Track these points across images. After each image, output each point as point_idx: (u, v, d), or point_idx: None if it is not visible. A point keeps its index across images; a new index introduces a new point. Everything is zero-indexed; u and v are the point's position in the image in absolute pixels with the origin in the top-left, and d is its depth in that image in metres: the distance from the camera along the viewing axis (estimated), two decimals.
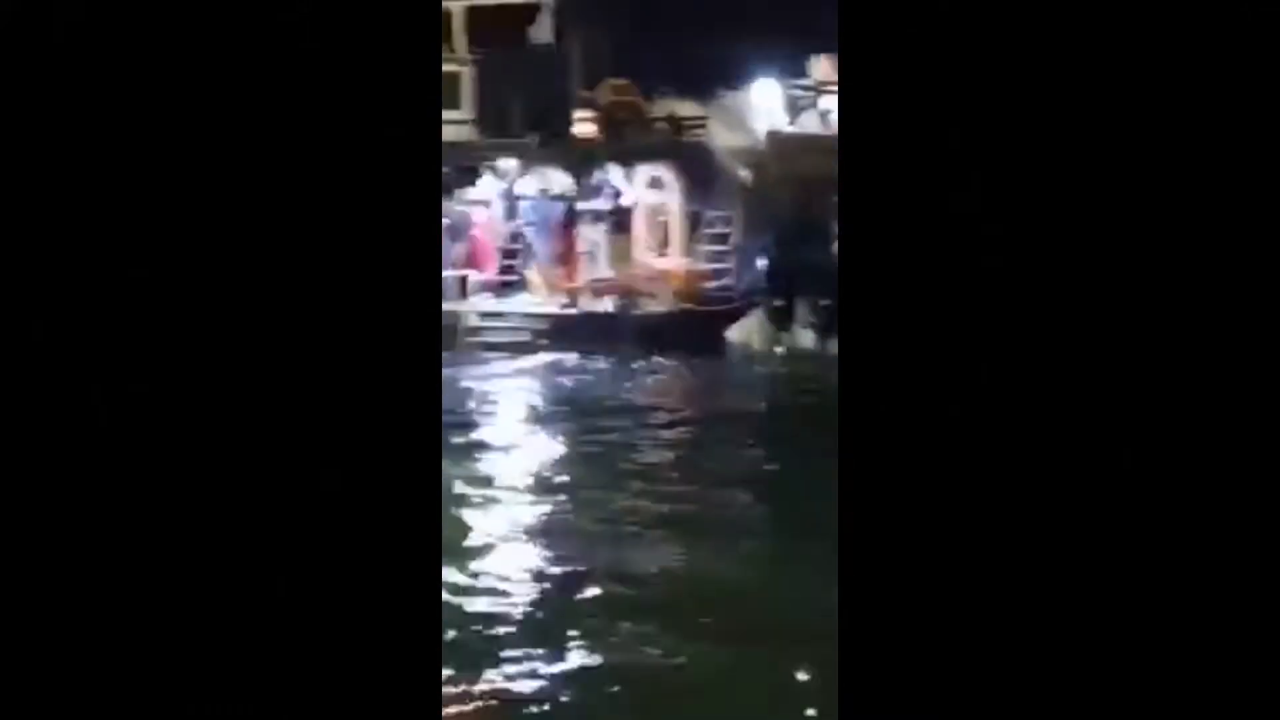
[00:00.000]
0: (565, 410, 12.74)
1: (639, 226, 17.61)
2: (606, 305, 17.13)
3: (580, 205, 17.97)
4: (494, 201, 19.04)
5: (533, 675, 5.31)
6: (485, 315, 17.69)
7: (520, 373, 15.46)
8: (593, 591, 6.53)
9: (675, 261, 17.41)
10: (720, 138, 17.67)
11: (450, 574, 6.35)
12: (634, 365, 15.10)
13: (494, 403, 13.49)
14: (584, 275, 17.58)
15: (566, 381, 14.68)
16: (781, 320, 16.16)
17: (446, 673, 4.71)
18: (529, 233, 18.64)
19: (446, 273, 18.33)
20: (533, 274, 18.38)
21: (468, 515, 8.04)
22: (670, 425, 11.96)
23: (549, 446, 10.94)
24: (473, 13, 20.03)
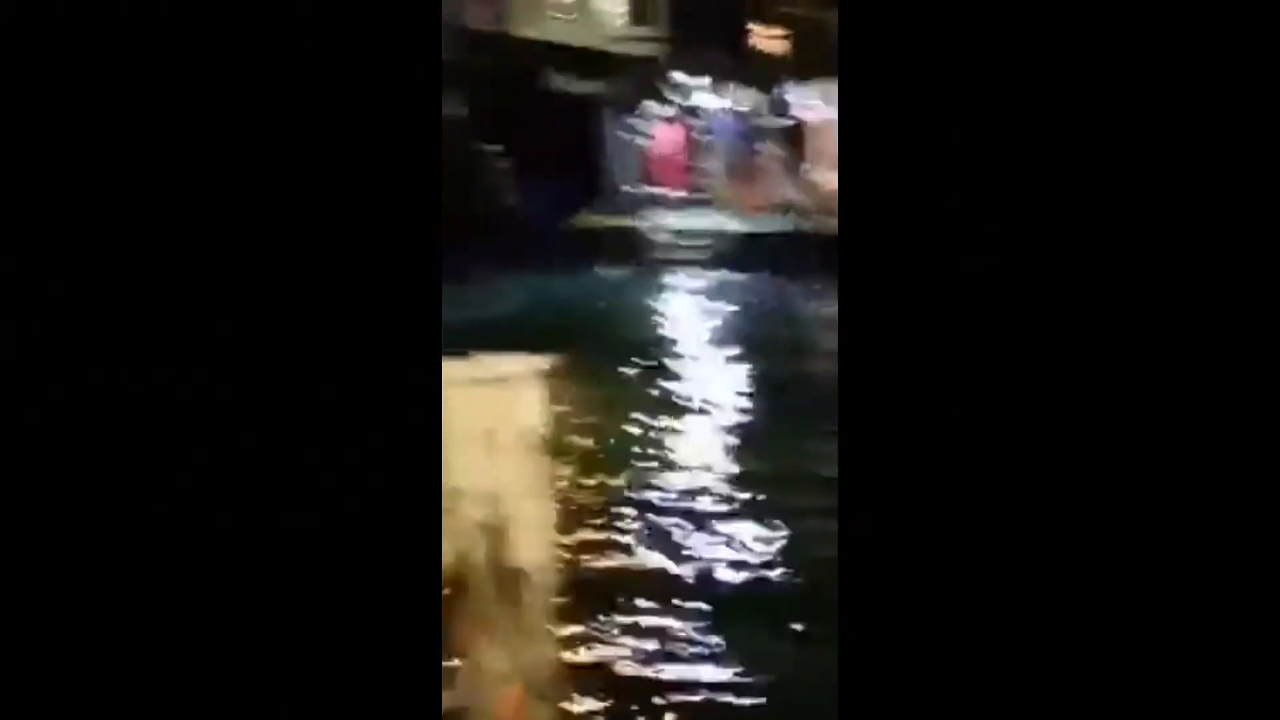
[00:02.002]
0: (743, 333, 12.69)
1: (825, 144, 17.36)
2: (789, 224, 16.99)
3: (766, 122, 17.79)
4: (679, 117, 18.97)
5: None
6: (672, 232, 17.70)
7: (699, 291, 15.45)
8: None
9: None
10: None
11: None
12: (815, 287, 14.97)
13: (671, 323, 13.52)
14: (767, 192, 17.45)
15: (746, 302, 14.60)
16: None
17: None
18: (713, 149, 18.55)
19: (628, 188, 18.42)
20: (717, 190, 18.31)
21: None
22: None
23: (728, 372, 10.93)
24: None
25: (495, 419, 3.87)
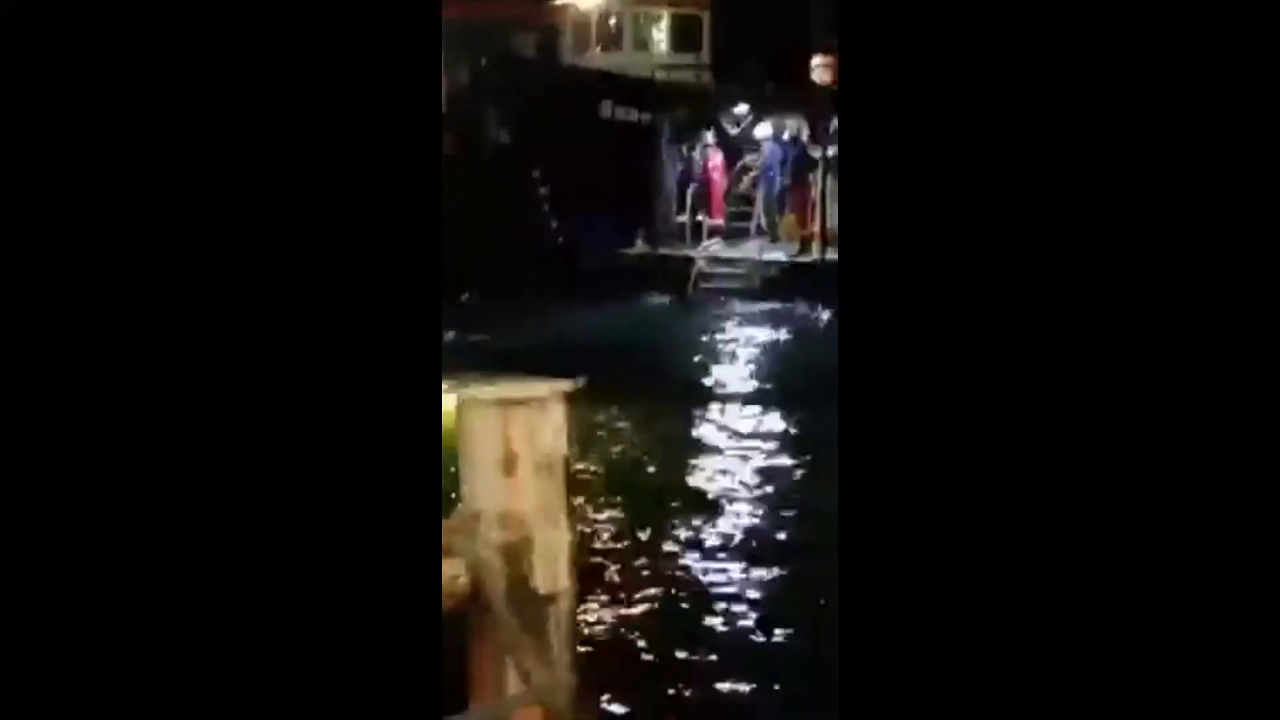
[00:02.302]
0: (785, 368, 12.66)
1: None
2: (837, 255, 16.93)
3: (815, 153, 17.77)
4: (729, 147, 18.99)
5: None
6: (715, 261, 17.70)
7: (747, 320, 15.44)
8: None
9: None
10: None
11: None
12: None
13: (719, 352, 13.51)
14: (815, 223, 17.42)
15: (788, 334, 14.56)
16: None
17: None
18: (764, 179, 18.55)
19: (680, 219, 18.45)
20: (765, 220, 18.32)
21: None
22: None
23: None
24: None
25: (517, 442, 3.85)
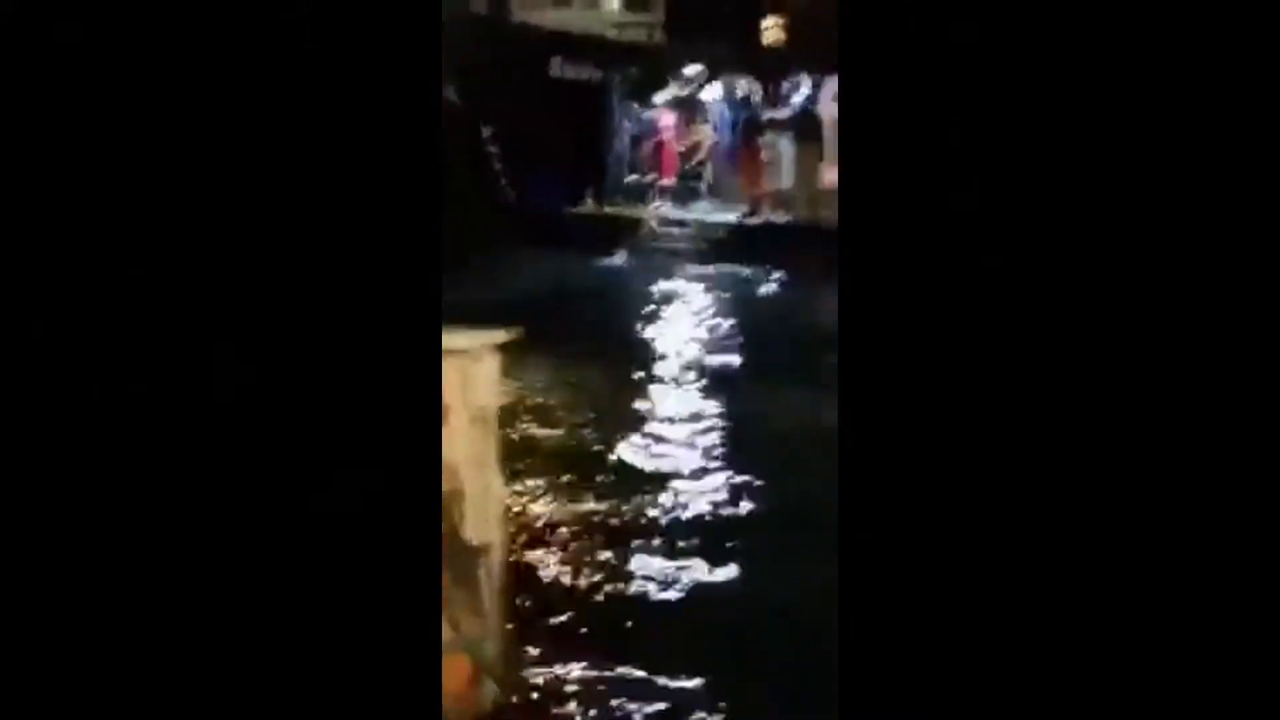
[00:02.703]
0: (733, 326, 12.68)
1: (826, 138, 17.32)
2: (787, 217, 16.95)
3: (766, 114, 17.76)
4: (681, 106, 18.95)
5: None
6: (665, 222, 17.68)
7: (696, 280, 15.44)
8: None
9: None
10: None
11: None
12: (810, 279, 14.90)
13: (665, 312, 13.52)
14: (766, 185, 17.42)
15: (730, 296, 14.58)
16: None
17: None
18: (713, 140, 18.53)
19: (630, 178, 18.43)
20: (716, 181, 18.31)
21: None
22: None
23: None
24: None
25: (450, 392, 3.84)
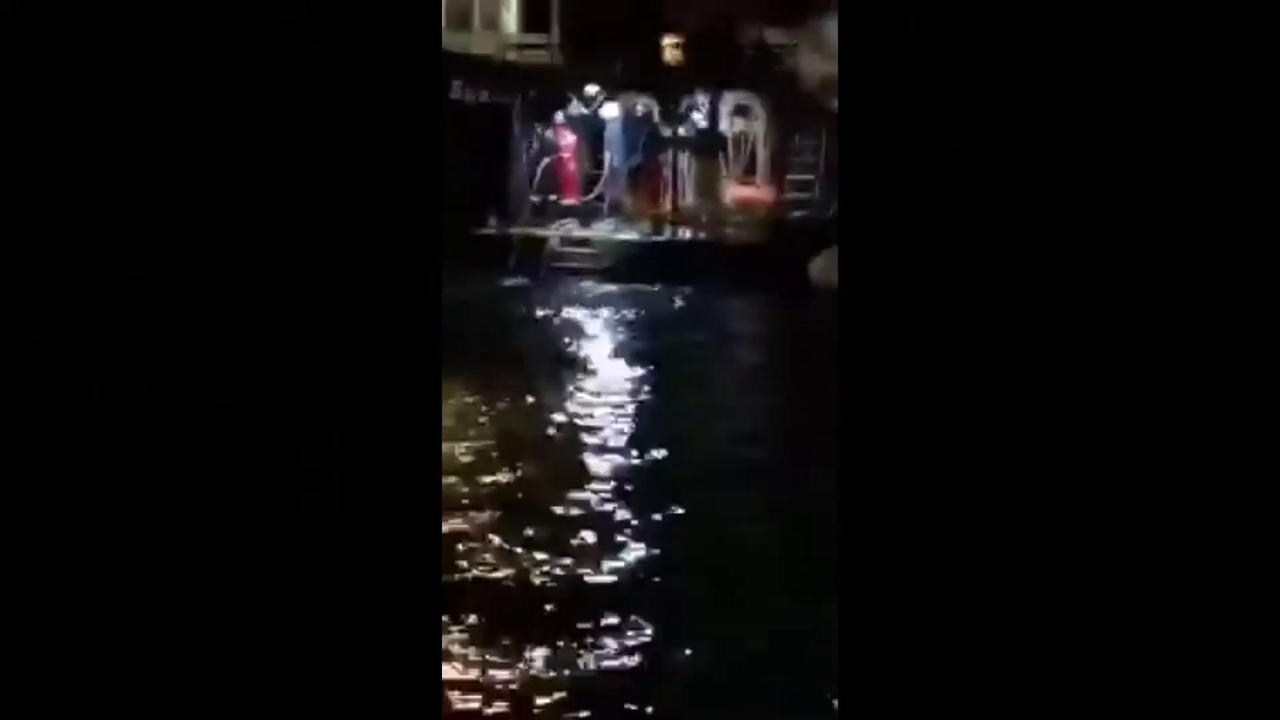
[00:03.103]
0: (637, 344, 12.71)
1: (726, 154, 17.45)
2: (690, 233, 17.05)
3: (666, 131, 17.84)
4: (580, 126, 18.98)
5: None
6: (568, 241, 17.69)
7: (599, 301, 15.47)
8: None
9: (761, 191, 17.26)
10: (809, 65, 17.44)
11: None
12: (711, 294, 14.97)
13: (573, 334, 13.52)
14: (668, 202, 17.50)
15: (642, 313, 14.63)
16: None
17: None
18: (613, 158, 18.58)
19: (532, 198, 18.42)
20: (616, 199, 18.36)
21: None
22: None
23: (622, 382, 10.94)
24: None
25: None
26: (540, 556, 6.07)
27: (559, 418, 9.08)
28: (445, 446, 8.01)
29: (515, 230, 18.02)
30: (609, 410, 9.47)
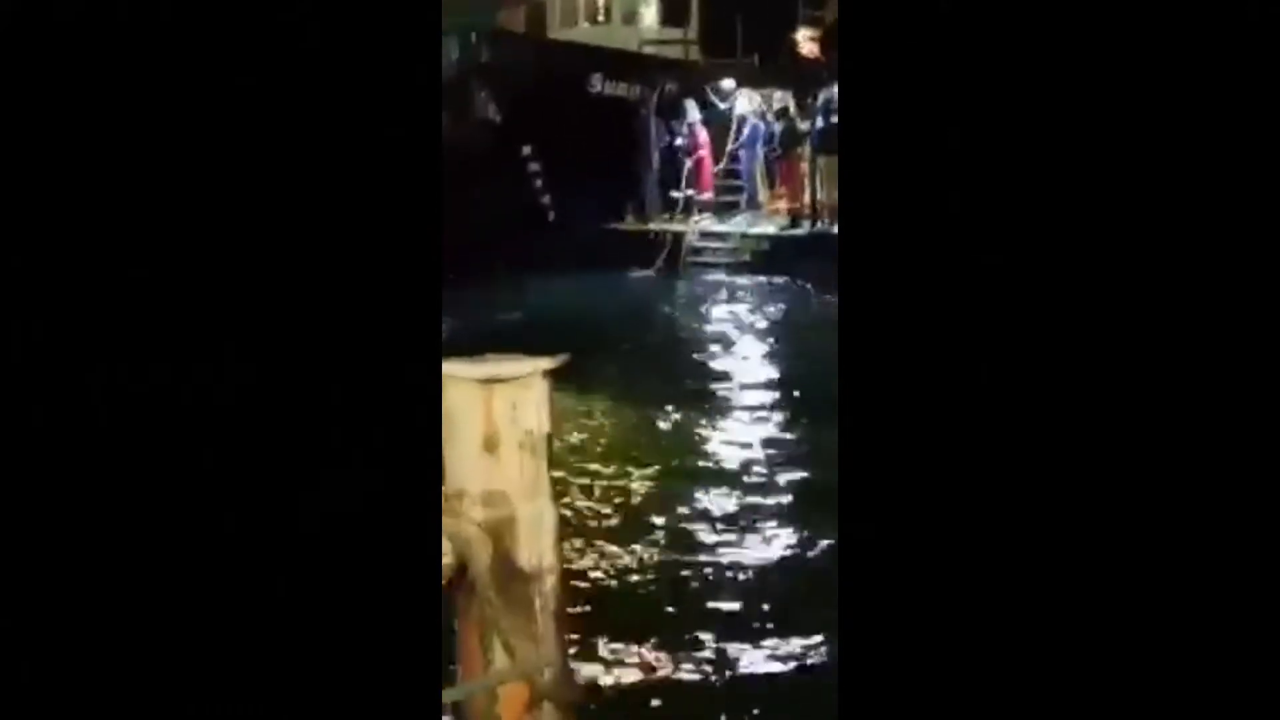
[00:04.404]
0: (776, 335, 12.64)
1: None
2: (818, 228, 16.93)
3: (803, 125, 17.75)
4: (716, 121, 18.96)
5: None
6: (705, 235, 17.69)
7: (736, 295, 15.43)
8: None
9: None
10: None
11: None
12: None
13: (711, 329, 13.51)
14: (805, 196, 17.41)
15: (780, 307, 14.55)
16: None
17: None
18: (750, 152, 18.54)
19: (670, 193, 18.44)
20: (751, 194, 18.31)
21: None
22: None
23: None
24: None
25: (499, 420, 3.86)
26: (679, 554, 6.08)
27: (697, 415, 9.04)
28: (580, 439, 8.07)
29: (653, 225, 18.07)
30: (746, 406, 9.44)
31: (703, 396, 9.72)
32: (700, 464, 7.80)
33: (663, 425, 8.78)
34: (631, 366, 10.58)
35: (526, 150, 17.31)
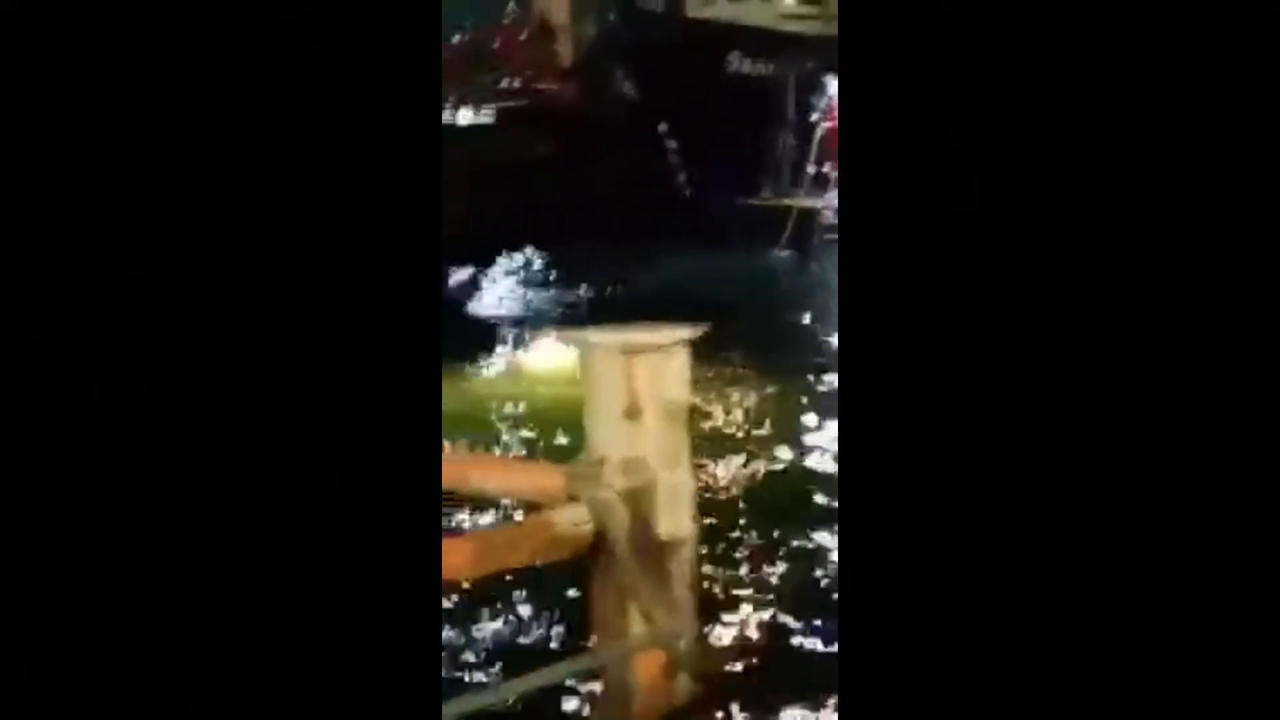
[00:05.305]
0: None
1: None
2: None
3: None
4: None
5: None
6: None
7: None
8: None
9: None
10: None
11: None
12: None
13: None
14: None
15: None
16: None
17: None
18: None
19: (807, 169, 18.34)
20: None
21: None
22: None
23: None
24: None
25: (641, 388, 3.88)
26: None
27: (825, 392, 9.01)
28: (705, 421, 8.08)
29: (789, 201, 17.99)
30: None
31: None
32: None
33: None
34: (763, 344, 10.54)
35: (663, 127, 17.33)
